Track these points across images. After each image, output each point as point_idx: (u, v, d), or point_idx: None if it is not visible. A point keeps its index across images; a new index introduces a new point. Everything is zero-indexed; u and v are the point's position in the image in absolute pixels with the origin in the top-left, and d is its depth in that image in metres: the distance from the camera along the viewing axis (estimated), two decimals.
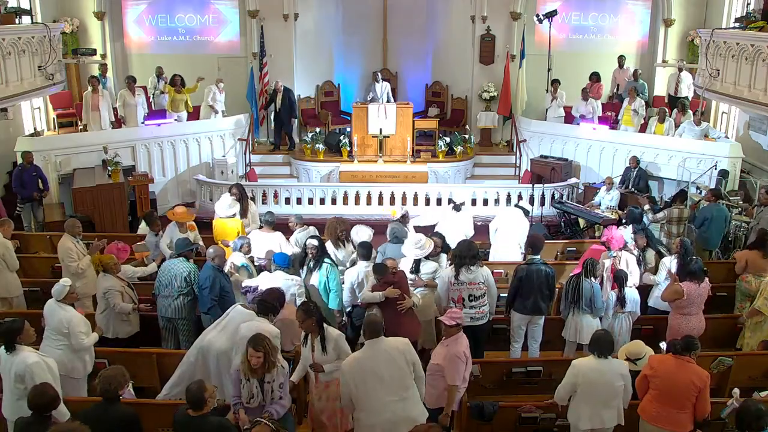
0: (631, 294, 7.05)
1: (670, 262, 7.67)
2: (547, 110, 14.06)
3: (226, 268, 7.13)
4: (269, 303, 5.92)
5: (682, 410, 5.34)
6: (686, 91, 13.71)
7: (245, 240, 7.61)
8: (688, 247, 7.60)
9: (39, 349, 5.81)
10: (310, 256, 7.17)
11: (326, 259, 7.11)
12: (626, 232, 8.07)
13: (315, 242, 7.17)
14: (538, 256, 7.10)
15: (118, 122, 12.92)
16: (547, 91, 13.94)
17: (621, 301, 6.94)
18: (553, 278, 7.05)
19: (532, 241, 7.31)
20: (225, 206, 8.76)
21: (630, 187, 11.69)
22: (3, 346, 5.30)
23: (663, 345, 6.57)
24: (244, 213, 8.88)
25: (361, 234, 7.89)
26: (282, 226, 8.49)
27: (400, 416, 4.94)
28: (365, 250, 7.20)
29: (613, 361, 5.47)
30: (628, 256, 7.62)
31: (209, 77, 13.78)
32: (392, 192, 12.37)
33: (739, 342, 7.44)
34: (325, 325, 5.60)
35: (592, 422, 5.42)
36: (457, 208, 9.10)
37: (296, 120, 14.44)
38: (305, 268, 7.23)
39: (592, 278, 6.84)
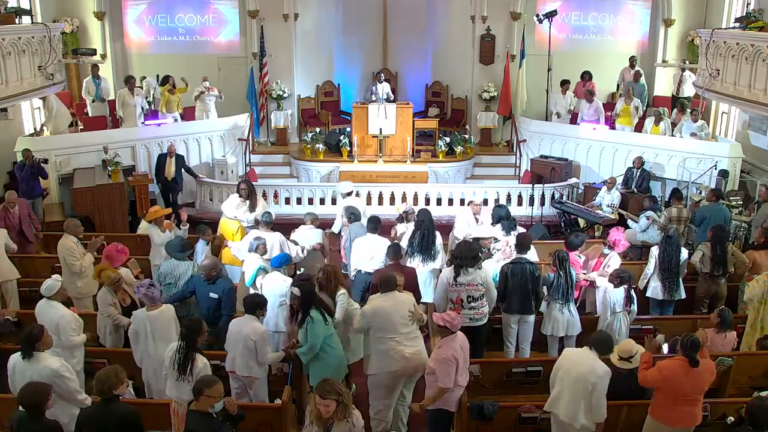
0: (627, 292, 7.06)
1: (656, 252, 7.86)
2: (556, 112, 13.94)
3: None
4: (255, 301, 5.94)
5: (697, 405, 5.39)
6: (689, 91, 13.69)
7: (261, 240, 7.44)
8: (671, 235, 7.80)
9: None
10: (294, 308, 6.11)
11: (312, 311, 5.87)
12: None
13: (297, 292, 5.99)
14: (526, 255, 7.14)
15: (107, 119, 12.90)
16: (547, 91, 13.93)
17: (630, 300, 6.97)
18: (539, 278, 7.06)
19: (520, 240, 7.33)
20: (232, 207, 8.77)
21: (632, 187, 11.69)
22: (20, 354, 5.26)
23: (665, 347, 6.57)
24: (253, 208, 8.90)
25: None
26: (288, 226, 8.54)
27: (407, 350, 5.86)
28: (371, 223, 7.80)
29: (596, 359, 5.35)
30: (615, 258, 7.79)
31: (209, 77, 13.77)
32: (392, 192, 12.37)
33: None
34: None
35: (566, 412, 5.34)
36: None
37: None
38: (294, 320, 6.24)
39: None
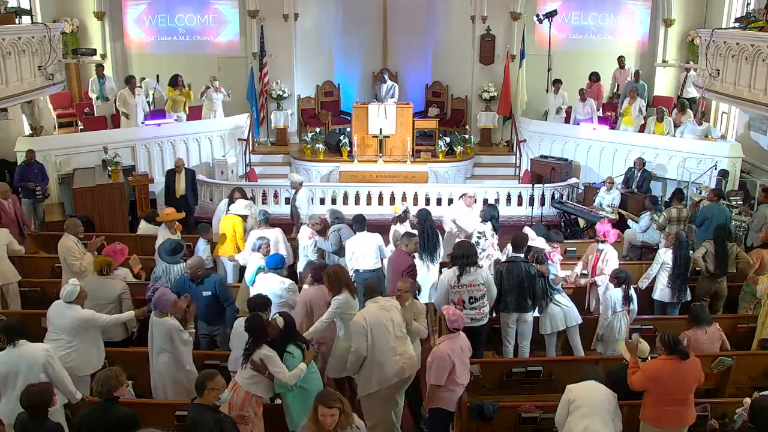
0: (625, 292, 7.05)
1: (664, 254, 7.81)
2: (547, 111, 14.00)
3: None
4: (259, 301, 5.95)
5: (687, 405, 5.35)
6: (693, 92, 13.67)
7: (264, 240, 7.43)
8: (682, 239, 7.77)
9: None
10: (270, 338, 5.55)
11: (290, 347, 5.52)
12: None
13: (280, 322, 5.58)
14: (521, 255, 7.17)
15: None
16: (547, 91, 13.94)
17: (628, 299, 6.97)
18: (534, 276, 7.07)
19: (515, 239, 7.34)
20: (241, 206, 8.83)
21: (633, 187, 11.69)
22: (8, 345, 5.30)
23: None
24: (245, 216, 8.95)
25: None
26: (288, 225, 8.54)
27: (403, 355, 5.75)
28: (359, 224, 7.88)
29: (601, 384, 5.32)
30: (610, 251, 7.82)
31: (209, 77, 13.78)
32: (392, 192, 12.37)
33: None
34: None
35: None
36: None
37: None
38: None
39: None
